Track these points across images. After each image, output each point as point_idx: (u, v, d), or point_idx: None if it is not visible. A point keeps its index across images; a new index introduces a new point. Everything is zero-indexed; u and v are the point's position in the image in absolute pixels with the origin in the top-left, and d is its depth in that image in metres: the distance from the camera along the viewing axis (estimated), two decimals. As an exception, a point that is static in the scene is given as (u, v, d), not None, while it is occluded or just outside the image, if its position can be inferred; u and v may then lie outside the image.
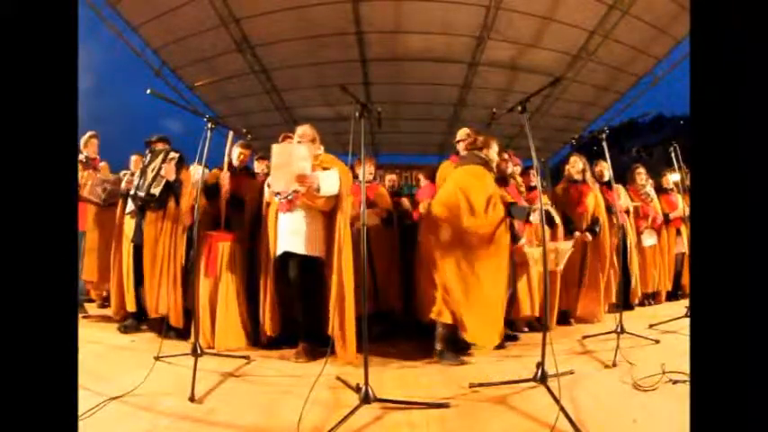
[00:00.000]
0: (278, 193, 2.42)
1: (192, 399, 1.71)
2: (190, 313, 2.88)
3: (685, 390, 1.69)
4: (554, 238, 2.97)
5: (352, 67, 7.21)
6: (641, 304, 3.90)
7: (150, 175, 2.83)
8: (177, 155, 2.92)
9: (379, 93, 7.86)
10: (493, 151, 2.56)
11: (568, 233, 3.22)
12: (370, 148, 8.68)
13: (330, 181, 2.32)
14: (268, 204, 2.59)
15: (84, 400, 1.62)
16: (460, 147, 3.08)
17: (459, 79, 7.62)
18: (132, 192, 2.89)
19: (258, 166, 3.37)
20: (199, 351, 1.94)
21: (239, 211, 2.83)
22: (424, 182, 3.91)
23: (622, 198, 3.66)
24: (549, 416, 1.51)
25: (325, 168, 2.42)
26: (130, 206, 2.96)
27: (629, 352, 2.24)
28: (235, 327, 2.61)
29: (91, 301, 3.80)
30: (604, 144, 2.70)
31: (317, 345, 2.36)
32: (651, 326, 2.94)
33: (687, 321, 2.87)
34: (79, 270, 3.30)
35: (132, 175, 3.07)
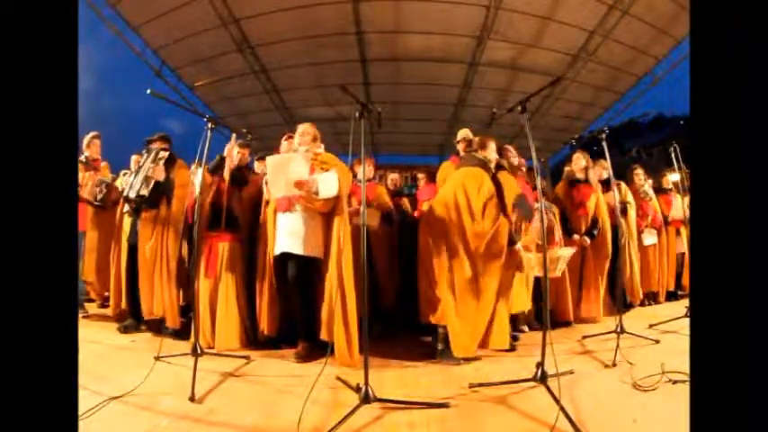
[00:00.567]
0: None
1: (192, 399, 1.72)
2: (186, 313, 2.88)
3: (685, 390, 1.69)
4: (551, 243, 2.90)
5: (352, 68, 7.20)
6: (641, 304, 3.90)
7: (141, 175, 2.82)
8: (167, 154, 2.89)
9: (379, 93, 7.85)
10: (490, 151, 2.56)
11: (567, 235, 3.20)
12: (369, 148, 8.67)
13: (329, 183, 2.31)
14: (267, 203, 2.59)
15: (85, 400, 1.62)
16: (460, 147, 3.08)
17: (459, 79, 7.62)
18: (125, 192, 2.89)
19: (258, 167, 3.36)
20: (199, 351, 1.95)
21: (240, 189, 2.80)
22: (423, 182, 3.91)
23: (618, 196, 3.64)
24: (548, 416, 1.51)
25: (323, 169, 2.41)
26: (128, 206, 2.96)
27: (628, 352, 2.24)
28: (235, 327, 2.61)
29: (91, 300, 3.80)
30: (604, 144, 2.71)
31: (317, 345, 2.36)
32: (651, 326, 2.94)
33: (687, 321, 2.87)
34: (79, 270, 3.29)
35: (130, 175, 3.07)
